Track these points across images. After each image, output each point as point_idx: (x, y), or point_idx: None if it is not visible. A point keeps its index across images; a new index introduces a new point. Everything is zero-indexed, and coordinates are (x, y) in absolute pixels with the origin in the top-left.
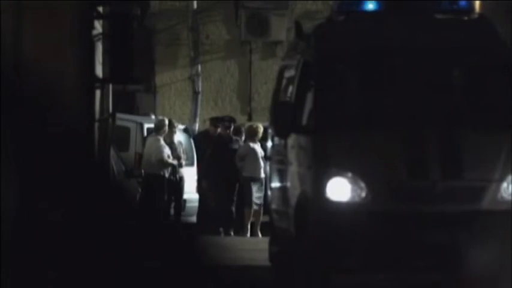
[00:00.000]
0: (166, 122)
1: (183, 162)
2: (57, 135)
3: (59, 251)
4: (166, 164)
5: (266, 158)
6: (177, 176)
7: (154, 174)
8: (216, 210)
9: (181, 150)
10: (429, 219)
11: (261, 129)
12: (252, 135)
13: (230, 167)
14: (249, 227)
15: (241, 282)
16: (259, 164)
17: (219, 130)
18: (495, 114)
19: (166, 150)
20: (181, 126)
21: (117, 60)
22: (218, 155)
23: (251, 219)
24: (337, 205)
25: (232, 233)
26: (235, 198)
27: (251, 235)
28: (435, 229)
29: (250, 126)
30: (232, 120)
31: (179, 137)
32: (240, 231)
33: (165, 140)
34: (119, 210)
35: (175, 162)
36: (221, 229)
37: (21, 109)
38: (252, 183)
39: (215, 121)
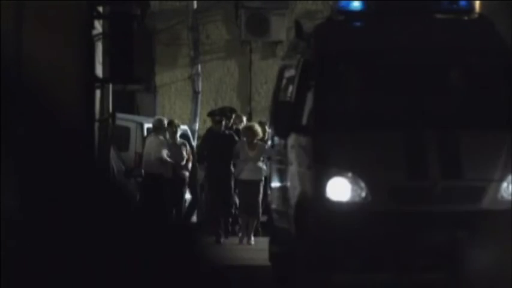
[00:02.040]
0: (165, 121)
1: (189, 164)
2: (57, 135)
3: (58, 252)
4: (165, 163)
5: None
6: (181, 176)
7: (155, 174)
8: (207, 215)
9: (185, 151)
10: (429, 219)
11: (256, 129)
12: (247, 135)
13: (221, 166)
14: (246, 233)
15: (241, 282)
16: (252, 165)
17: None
18: (495, 114)
19: (165, 149)
20: (181, 126)
21: (117, 60)
22: (208, 151)
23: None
24: (337, 205)
25: (222, 240)
26: (230, 202)
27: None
28: (435, 229)
29: (244, 127)
30: (222, 113)
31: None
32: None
33: (167, 141)
34: (119, 210)
35: (172, 161)
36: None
37: (21, 109)
38: (245, 187)
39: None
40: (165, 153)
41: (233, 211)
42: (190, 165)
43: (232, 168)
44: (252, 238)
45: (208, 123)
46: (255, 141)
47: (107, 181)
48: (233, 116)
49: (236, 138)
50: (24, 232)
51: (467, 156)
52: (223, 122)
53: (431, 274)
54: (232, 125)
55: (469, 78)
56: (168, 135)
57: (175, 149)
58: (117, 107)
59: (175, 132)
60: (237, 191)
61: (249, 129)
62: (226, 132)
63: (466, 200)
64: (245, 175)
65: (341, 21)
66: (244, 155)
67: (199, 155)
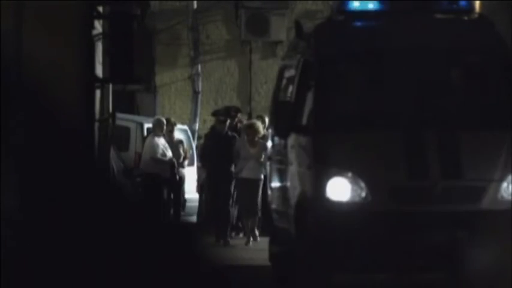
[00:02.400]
0: (164, 121)
1: (186, 162)
2: (57, 135)
3: (57, 251)
4: (158, 162)
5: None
6: (177, 175)
7: (153, 174)
8: (208, 214)
9: (182, 150)
10: (429, 219)
11: (257, 127)
12: (248, 133)
13: (222, 167)
14: (250, 234)
15: (241, 282)
16: (253, 164)
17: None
18: (495, 114)
19: (160, 149)
20: (181, 126)
21: (117, 60)
22: (209, 151)
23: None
24: (337, 205)
25: (222, 241)
26: (231, 202)
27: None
28: (435, 229)
29: (245, 124)
30: (227, 113)
31: (179, 136)
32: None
33: (165, 139)
34: (119, 210)
35: (166, 159)
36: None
37: (21, 109)
38: (245, 185)
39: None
40: (158, 152)
41: (232, 219)
42: (186, 163)
43: (233, 169)
44: (251, 239)
45: (209, 123)
46: (256, 139)
47: (107, 181)
48: (238, 115)
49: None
50: (24, 231)
51: (467, 156)
52: (227, 123)
53: (431, 274)
54: (236, 123)
55: (469, 78)
56: (168, 134)
57: (172, 147)
58: (117, 107)
59: (172, 131)
60: (235, 191)
61: (251, 127)
62: (229, 133)
63: (466, 200)
64: (245, 173)
65: (341, 21)
66: (245, 153)
67: (201, 155)
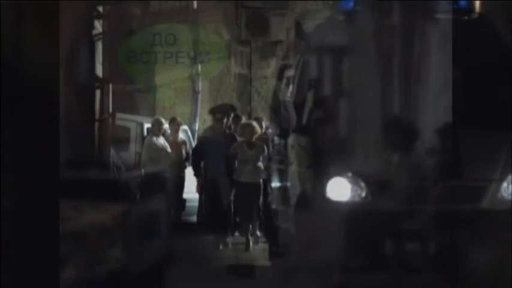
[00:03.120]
0: (163, 120)
1: (187, 163)
2: (57, 135)
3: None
4: (156, 162)
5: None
6: (180, 174)
7: (152, 173)
8: (206, 215)
9: (185, 150)
10: (429, 219)
11: (255, 125)
12: (245, 132)
13: (221, 167)
14: (249, 238)
15: (241, 282)
16: (252, 167)
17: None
18: (495, 114)
19: (156, 148)
20: (181, 126)
21: (117, 60)
22: (203, 152)
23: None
24: (337, 205)
25: (220, 246)
26: (229, 205)
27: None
28: (435, 229)
29: (243, 124)
30: (224, 111)
31: (182, 136)
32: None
33: (167, 138)
34: (119, 209)
35: (165, 159)
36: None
37: (21, 109)
38: (243, 190)
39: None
40: (157, 152)
41: (232, 218)
42: (187, 164)
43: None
44: (251, 242)
45: (208, 123)
46: (254, 139)
47: (106, 181)
48: (231, 115)
49: (237, 138)
50: (23, 230)
51: (467, 156)
52: (225, 121)
53: (431, 274)
54: (230, 124)
55: (469, 78)
56: (169, 132)
57: (175, 147)
58: (117, 107)
59: (178, 130)
60: (233, 193)
61: (248, 126)
62: (227, 131)
63: (466, 200)
64: (245, 177)
65: (341, 21)
66: (243, 155)
67: (194, 159)
